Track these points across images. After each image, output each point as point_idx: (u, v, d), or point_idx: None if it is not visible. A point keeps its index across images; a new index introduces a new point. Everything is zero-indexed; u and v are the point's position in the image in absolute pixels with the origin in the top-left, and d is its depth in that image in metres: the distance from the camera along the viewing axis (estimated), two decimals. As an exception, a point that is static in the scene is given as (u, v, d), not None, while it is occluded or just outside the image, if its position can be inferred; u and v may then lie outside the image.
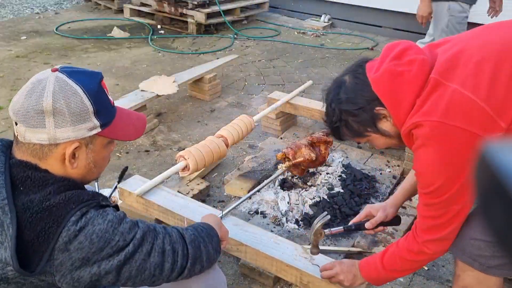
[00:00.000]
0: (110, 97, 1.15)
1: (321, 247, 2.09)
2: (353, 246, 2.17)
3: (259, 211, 2.37)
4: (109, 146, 1.17)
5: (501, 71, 1.22)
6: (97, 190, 1.66)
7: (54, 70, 1.07)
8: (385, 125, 1.38)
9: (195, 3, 5.49)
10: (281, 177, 2.53)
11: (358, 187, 2.51)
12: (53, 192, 1.03)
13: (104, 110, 1.11)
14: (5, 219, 0.98)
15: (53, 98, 1.02)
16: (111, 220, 1.05)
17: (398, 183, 2.63)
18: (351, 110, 1.37)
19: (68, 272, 1.00)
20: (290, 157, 2.35)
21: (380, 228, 1.76)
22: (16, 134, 1.07)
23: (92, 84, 1.09)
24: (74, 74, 1.08)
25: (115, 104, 1.18)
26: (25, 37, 5.34)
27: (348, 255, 2.14)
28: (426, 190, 1.31)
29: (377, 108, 1.35)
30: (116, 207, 1.15)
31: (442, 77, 1.25)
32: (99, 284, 1.06)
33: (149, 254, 1.10)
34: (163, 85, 3.42)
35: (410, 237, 1.43)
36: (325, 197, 2.42)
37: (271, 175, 2.53)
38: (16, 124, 1.05)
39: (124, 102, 3.19)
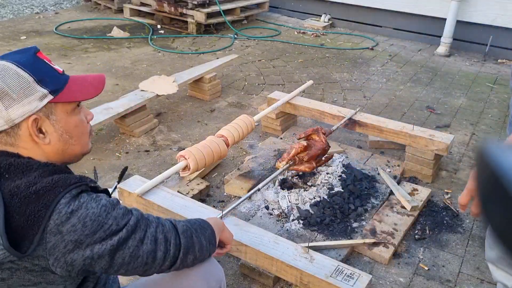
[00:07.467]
0: (56, 66, 1.14)
1: (320, 243, 2.09)
2: (353, 244, 2.17)
3: (260, 210, 2.37)
4: (76, 112, 1.15)
5: None
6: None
7: None
8: None
9: (195, 3, 5.49)
10: (281, 177, 2.53)
11: (358, 187, 2.51)
12: (39, 176, 1.03)
13: (49, 77, 1.10)
14: None
15: None
16: (104, 204, 1.06)
17: (398, 183, 2.64)
18: None
19: (62, 255, 1.00)
20: (291, 166, 2.31)
21: None
22: None
23: (25, 57, 1.08)
24: (6, 55, 1.09)
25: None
26: (25, 37, 5.34)
27: (348, 252, 2.14)
28: None
29: None
30: (106, 192, 1.15)
31: None
32: (93, 269, 1.06)
33: (142, 241, 1.11)
34: (163, 85, 3.42)
35: None
36: (325, 197, 2.42)
37: (271, 175, 2.53)
38: None
39: (124, 102, 3.19)
